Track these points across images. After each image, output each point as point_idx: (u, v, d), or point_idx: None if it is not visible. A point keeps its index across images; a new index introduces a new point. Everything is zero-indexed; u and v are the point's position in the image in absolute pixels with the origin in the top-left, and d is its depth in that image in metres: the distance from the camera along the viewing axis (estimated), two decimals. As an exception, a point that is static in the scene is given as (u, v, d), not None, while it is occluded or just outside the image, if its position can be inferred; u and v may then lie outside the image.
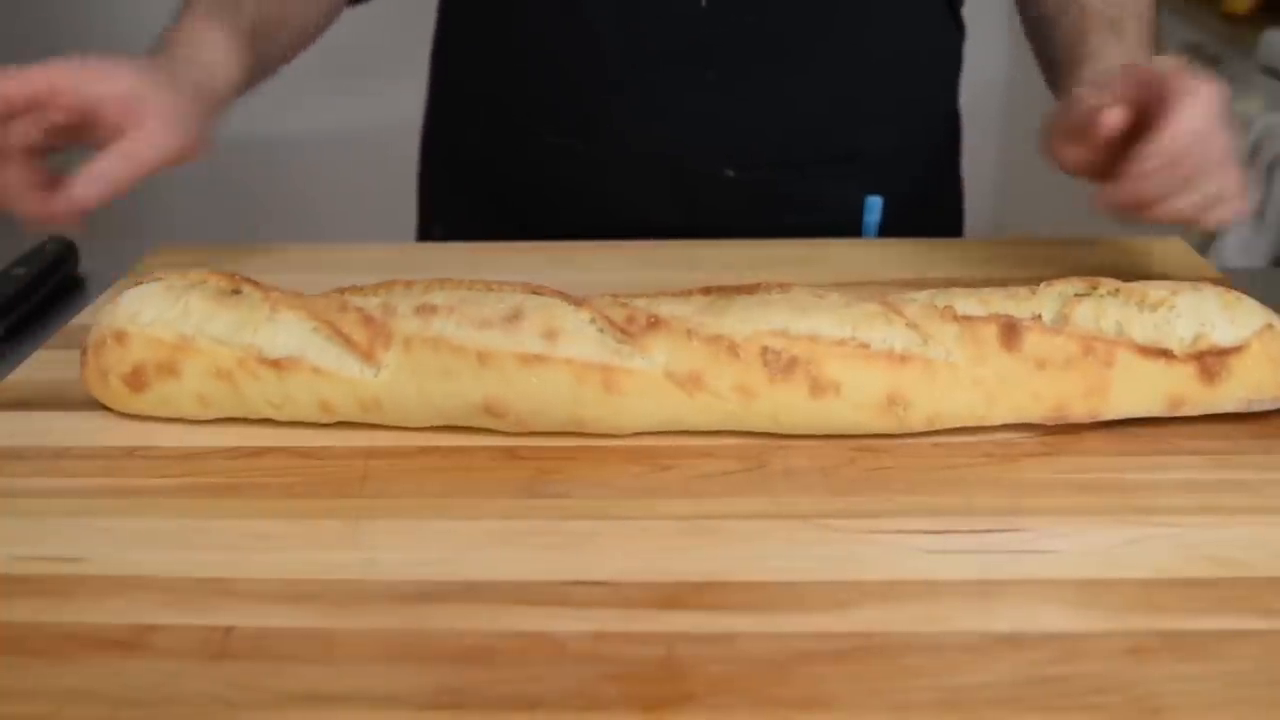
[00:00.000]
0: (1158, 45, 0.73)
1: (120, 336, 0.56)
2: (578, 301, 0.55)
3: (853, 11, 0.81)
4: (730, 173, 0.83)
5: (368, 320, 0.55)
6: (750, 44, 0.80)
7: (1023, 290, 0.57)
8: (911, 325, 0.54)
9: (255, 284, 0.58)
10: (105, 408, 0.58)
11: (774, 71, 0.81)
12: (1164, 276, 0.60)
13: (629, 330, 0.54)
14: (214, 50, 0.68)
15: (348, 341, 0.54)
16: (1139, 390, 0.54)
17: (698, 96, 0.81)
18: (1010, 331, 0.54)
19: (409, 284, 0.58)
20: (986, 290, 0.57)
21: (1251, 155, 1.64)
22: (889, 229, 0.84)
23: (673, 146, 0.77)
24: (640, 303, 0.56)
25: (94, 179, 0.60)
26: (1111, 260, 0.75)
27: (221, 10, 0.70)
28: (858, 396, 0.53)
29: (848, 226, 0.83)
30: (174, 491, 0.52)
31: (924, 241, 0.79)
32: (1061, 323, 0.55)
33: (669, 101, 0.81)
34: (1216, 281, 0.63)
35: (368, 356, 0.54)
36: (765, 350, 0.54)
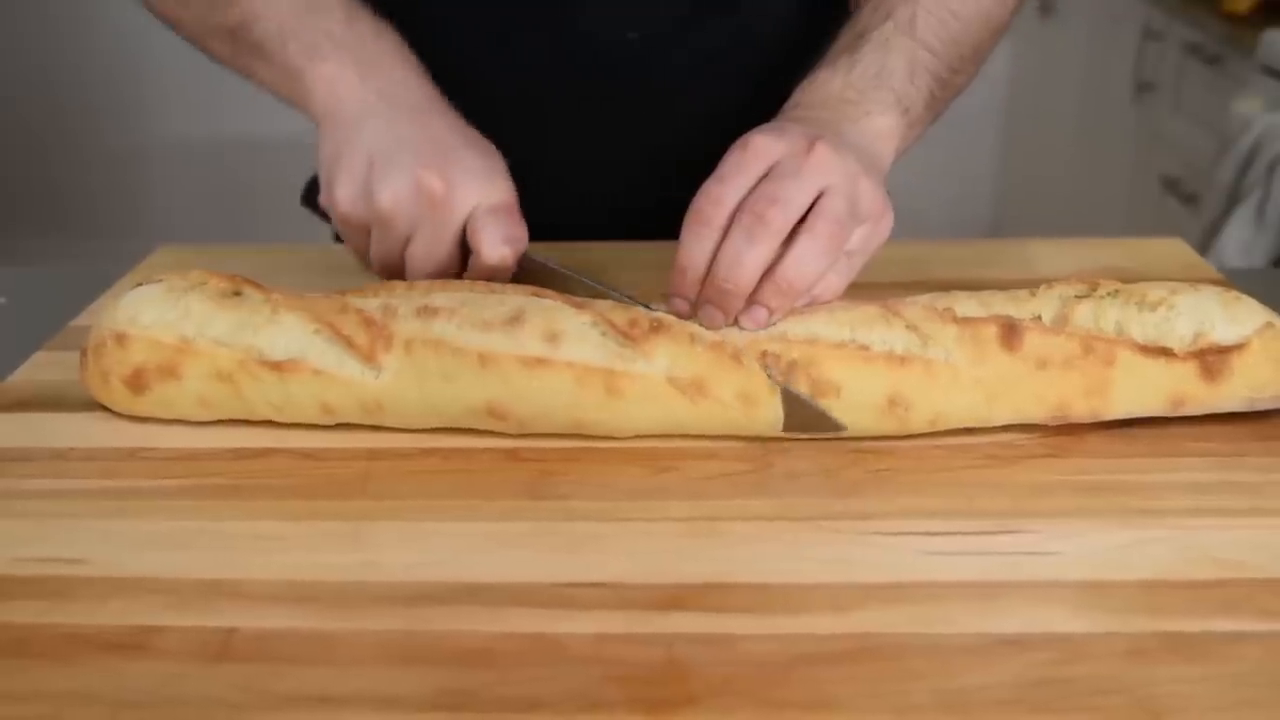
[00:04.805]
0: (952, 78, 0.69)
1: (120, 338, 0.56)
2: (579, 304, 0.55)
3: (774, 32, 0.82)
4: (666, 194, 0.84)
5: (369, 322, 0.55)
6: (674, 70, 0.80)
7: (1022, 292, 0.57)
8: (911, 327, 0.54)
9: (256, 285, 0.58)
10: (106, 409, 0.58)
11: (696, 92, 0.82)
12: (1164, 277, 0.60)
13: (631, 334, 0.54)
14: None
15: (349, 343, 0.54)
16: (1140, 389, 0.54)
17: (628, 122, 0.81)
18: (1010, 332, 0.54)
19: (410, 285, 0.58)
20: (986, 292, 0.57)
21: (1251, 155, 1.64)
22: None
23: (604, 167, 0.79)
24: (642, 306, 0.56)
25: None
26: (1111, 261, 0.75)
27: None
28: (859, 398, 0.53)
29: None
30: (175, 493, 0.52)
31: (923, 242, 0.79)
32: (1061, 323, 0.55)
33: (598, 127, 0.81)
34: (1216, 283, 0.63)
35: (369, 358, 0.54)
36: (764, 354, 0.54)
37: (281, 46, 0.66)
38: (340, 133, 0.63)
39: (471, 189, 0.61)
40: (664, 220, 0.80)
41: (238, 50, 0.69)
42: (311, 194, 0.69)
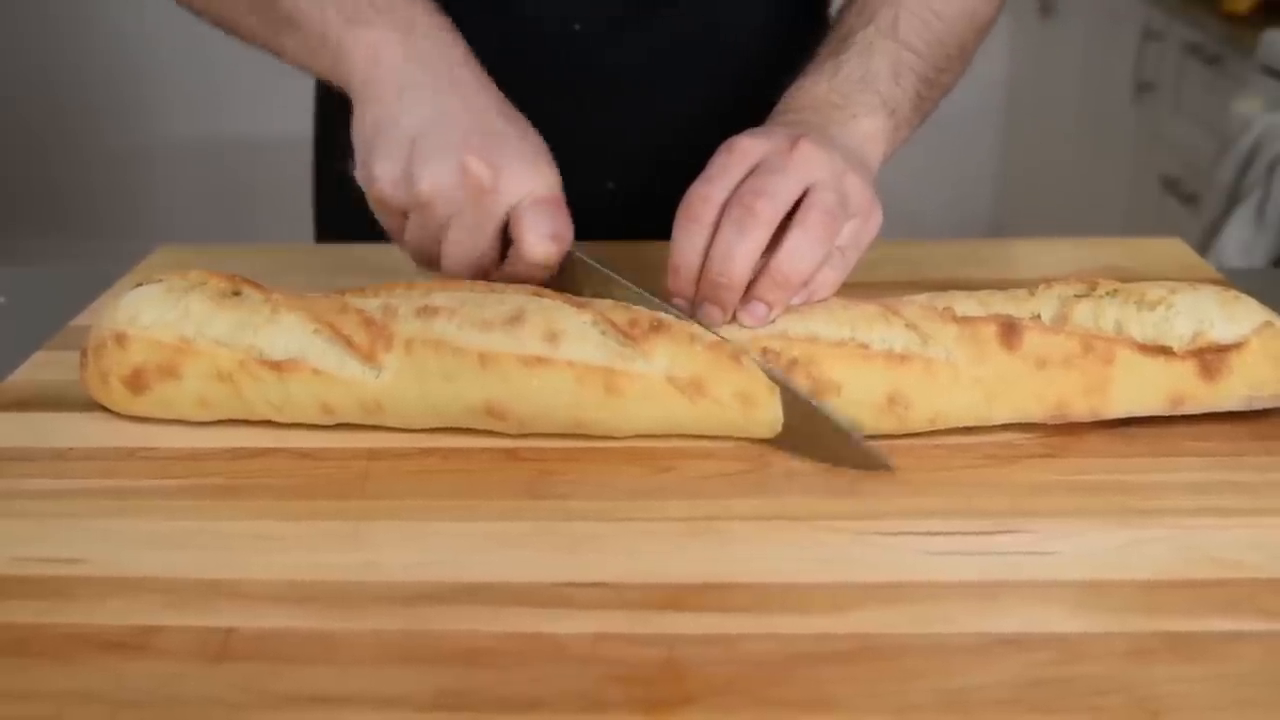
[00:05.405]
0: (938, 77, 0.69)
1: (120, 338, 0.56)
2: (580, 303, 0.55)
3: (723, 25, 0.82)
4: (611, 185, 0.85)
5: (368, 322, 0.55)
6: (622, 62, 0.81)
7: (1021, 291, 0.57)
8: (910, 326, 0.54)
9: (256, 285, 0.58)
10: (106, 409, 0.58)
11: (647, 85, 0.82)
12: (1163, 277, 0.60)
13: (631, 333, 0.54)
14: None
15: (348, 343, 0.54)
16: (1140, 388, 0.54)
17: (574, 114, 0.81)
18: (1009, 331, 0.54)
19: (410, 285, 0.58)
20: (985, 292, 0.58)
21: (1251, 155, 1.64)
22: None
23: (559, 164, 0.79)
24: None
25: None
26: (1111, 261, 0.75)
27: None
28: (858, 396, 0.53)
29: None
30: (175, 493, 0.52)
31: (922, 242, 0.79)
32: (1060, 323, 0.55)
33: (546, 118, 0.81)
34: (1215, 283, 0.63)
35: (368, 358, 0.54)
36: (765, 352, 0.54)
37: (318, 13, 0.63)
38: (381, 105, 0.60)
39: (519, 178, 0.58)
40: (631, 217, 0.80)
41: (266, 22, 0.66)
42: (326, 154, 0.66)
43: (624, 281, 0.59)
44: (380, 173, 0.59)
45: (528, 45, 0.80)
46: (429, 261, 0.62)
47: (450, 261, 0.60)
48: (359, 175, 0.61)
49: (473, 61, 0.64)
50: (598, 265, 0.60)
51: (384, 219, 0.62)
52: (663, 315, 0.55)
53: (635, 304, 0.57)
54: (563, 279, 0.60)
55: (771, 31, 0.85)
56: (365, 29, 0.62)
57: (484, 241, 0.59)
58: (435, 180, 0.57)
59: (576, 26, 0.80)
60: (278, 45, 0.66)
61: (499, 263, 0.61)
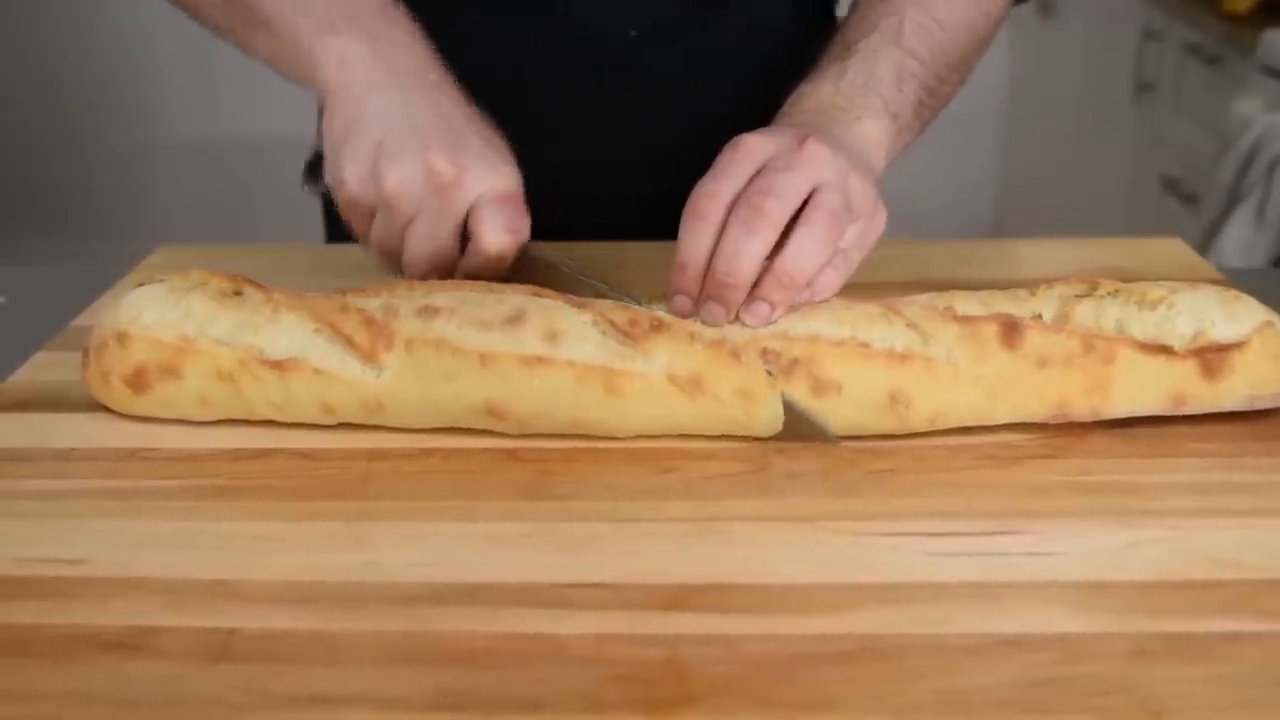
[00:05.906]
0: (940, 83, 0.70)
1: (121, 338, 0.56)
2: (580, 303, 0.55)
3: (765, 27, 0.83)
4: (663, 187, 0.84)
5: (369, 322, 0.55)
6: (672, 66, 0.81)
7: (1022, 291, 0.57)
8: (911, 325, 0.54)
9: (257, 285, 0.58)
10: (107, 409, 0.58)
11: (696, 88, 0.82)
12: (1163, 277, 0.60)
13: (631, 333, 0.54)
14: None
15: (349, 343, 0.54)
16: (1141, 387, 0.54)
17: (628, 120, 0.82)
18: (1010, 330, 0.54)
19: (411, 285, 0.58)
20: (986, 291, 0.58)
21: (1251, 155, 1.64)
22: None
23: (598, 164, 0.79)
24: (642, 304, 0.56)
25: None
26: (1111, 261, 0.75)
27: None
28: (859, 395, 0.53)
29: None
30: (176, 493, 0.52)
31: (923, 242, 0.79)
32: (1062, 322, 0.55)
33: (593, 119, 0.81)
34: (1216, 283, 0.63)
35: (369, 358, 0.54)
36: (765, 352, 0.54)
37: (289, 19, 0.64)
38: (349, 110, 0.62)
39: (480, 175, 0.60)
40: (661, 219, 0.80)
41: (237, 20, 0.67)
42: (313, 172, 0.68)
43: (585, 278, 0.60)
44: (349, 174, 0.61)
45: (579, 50, 0.80)
46: (392, 260, 0.63)
47: (412, 256, 0.62)
48: (328, 178, 0.63)
49: (442, 70, 0.65)
50: (556, 262, 0.61)
51: (352, 220, 0.64)
52: (663, 315, 0.55)
53: (598, 299, 0.57)
54: (522, 277, 0.61)
55: (807, 35, 0.85)
56: (335, 37, 0.63)
57: (445, 236, 0.61)
58: (401, 177, 0.59)
59: (632, 33, 0.80)
60: (249, 43, 0.68)
61: (458, 258, 0.62)
